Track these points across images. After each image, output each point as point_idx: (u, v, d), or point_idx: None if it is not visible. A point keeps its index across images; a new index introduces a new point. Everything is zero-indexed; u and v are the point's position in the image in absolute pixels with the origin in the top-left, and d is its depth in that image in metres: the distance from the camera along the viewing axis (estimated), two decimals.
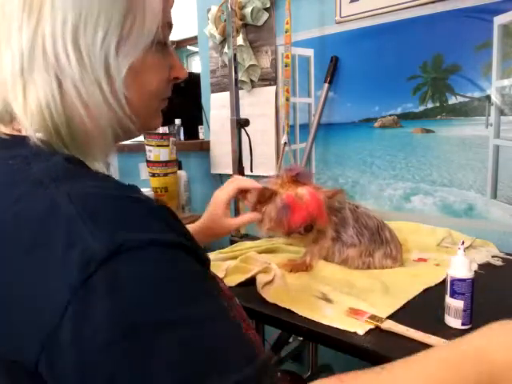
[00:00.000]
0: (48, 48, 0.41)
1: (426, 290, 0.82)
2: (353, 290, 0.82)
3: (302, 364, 1.68)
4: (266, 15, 1.55)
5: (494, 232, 1.15)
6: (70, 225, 0.34)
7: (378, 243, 0.94)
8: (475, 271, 0.77)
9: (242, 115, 1.42)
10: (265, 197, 0.80)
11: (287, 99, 1.46)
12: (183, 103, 1.74)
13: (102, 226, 0.35)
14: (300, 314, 0.74)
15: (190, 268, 0.38)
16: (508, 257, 1.03)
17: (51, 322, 0.32)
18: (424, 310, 0.75)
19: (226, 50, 1.57)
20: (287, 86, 1.45)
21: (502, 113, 1.11)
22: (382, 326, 0.67)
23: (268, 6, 1.53)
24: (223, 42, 1.66)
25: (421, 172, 1.28)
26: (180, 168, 1.77)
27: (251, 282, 0.86)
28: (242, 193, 0.82)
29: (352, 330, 0.68)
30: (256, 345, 0.60)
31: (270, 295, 0.80)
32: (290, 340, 1.56)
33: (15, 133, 0.44)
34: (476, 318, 0.67)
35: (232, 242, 1.26)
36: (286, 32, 1.39)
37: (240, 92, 1.45)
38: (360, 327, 0.68)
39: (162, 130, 1.78)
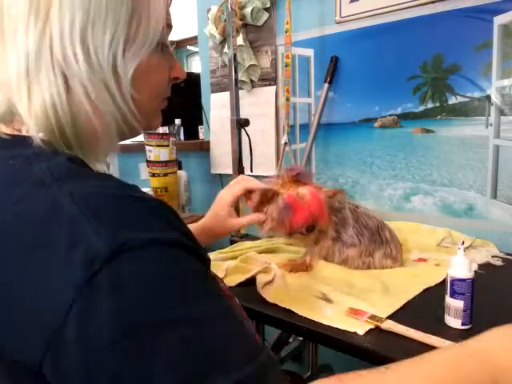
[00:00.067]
0: (55, 48, 0.41)
1: (426, 290, 0.82)
2: (353, 290, 0.82)
3: (302, 364, 1.68)
4: (266, 15, 1.55)
5: (493, 232, 1.15)
6: (73, 224, 0.34)
7: (377, 243, 0.94)
8: (475, 271, 0.77)
9: (242, 115, 1.42)
10: (267, 197, 0.80)
11: (287, 99, 1.46)
12: (183, 103, 1.74)
13: (105, 225, 0.35)
14: (300, 313, 0.74)
15: (191, 267, 0.38)
16: (508, 257, 1.03)
17: (55, 321, 0.32)
18: (424, 310, 0.75)
19: (226, 49, 1.57)
20: (287, 85, 1.45)
21: (502, 113, 1.11)
22: (382, 326, 0.67)
23: (268, 5, 1.53)
24: (223, 42, 1.66)
25: (421, 172, 1.28)
26: (180, 168, 1.77)
27: (251, 282, 0.86)
28: (247, 193, 0.82)
29: (352, 330, 0.68)
30: (258, 343, 0.60)
31: (269, 295, 0.80)
32: (290, 340, 1.56)
33: (15, 133, 0.45)
34: (476, 318, 0.67)
35: (232, 242, 1.26)
36: (286, 32, 1.39)
37: (240, 92, 1.45)
38: (360, 327, 0.68)
39: (162, 129, 1.78)
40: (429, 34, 1.20)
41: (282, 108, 1.54)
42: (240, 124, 1.40)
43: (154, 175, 1.64)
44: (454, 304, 0.67)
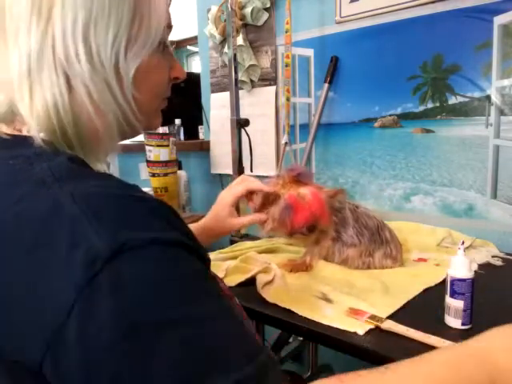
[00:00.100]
0: (58, 48, 0.41)
1: (426, 290, 0.82)
2: (353, 290, 0.82)
3: (302, 364, 1.68)
4: (266, 15, 1.55)
5: (493, 232, 1.15)
6: (73, 224, 0.34)
7: (378, 243, 0.94)
8: (475, 271, 0.77)
9: (242, 115, 1.42)
10: (269, 200, 0.80)
11: (288, 99, 1.46)
12: (183, 103, 1.74)
13: (106, 225, 0.35)
14: (300, 313, 0.74)
15: (191, 267, 0.38)
16: (508, 257, 1.03)
17: (56, 320, 0.32)
18: (424, 309, 0.75)
19: (226, 49, 1.57)
20: (288, 85, 1.45)
21: (502, 113, 1.11)
22: (382, 326, 0.67)
23: (268, 5, 1.53)
24: (223, 42, 1.66)
25: (421, 172, 1.28)
26: (180, 168, 1.77)
27: (251, 282, 0.86)
28: (249, 194, 0.82)
29: (352, 329, 0.68)
30: (258, 343, 0.60)
31: (269, 295, 0.80)
32: (290, 340, 1.56)
33: (16, 133, 0.45)
34: (476, 318, 0.67)
35: (232, 242, 1.26)
36: (286, 32, 1.39)
37: (240, 92, 1.45)
38: (360, 327, 0.68)
39: (161, 129, 1.78)
40: (429, 34, 1.20)
41: (283, 108, 1.54)
42: (240, 124, 1.40)
43: (154, 175, 1.64)
44: (454, 304, 0.67)
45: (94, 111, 0.44)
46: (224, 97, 1.71)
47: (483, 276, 0.88)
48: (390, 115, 1.32)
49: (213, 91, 1.83)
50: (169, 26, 0.50)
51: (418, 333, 0.64)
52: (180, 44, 2.90)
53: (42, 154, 0.41)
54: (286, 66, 1.43)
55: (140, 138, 1.60)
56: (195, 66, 3.39)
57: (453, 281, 0.67)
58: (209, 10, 1.69)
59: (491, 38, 1.09)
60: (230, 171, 1.51)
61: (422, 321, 0.68)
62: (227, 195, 0.81)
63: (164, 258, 0.36)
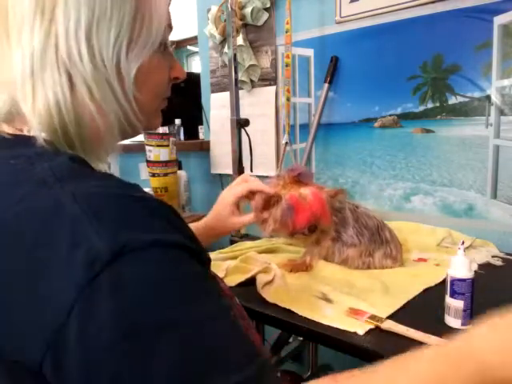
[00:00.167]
0: (61, 47, 0.41)
1: (426, 290, 0.82)
2: (353, 290, 0.82)
3: (302, 364, 1.68)
4: (266, 15, 1.55)
5: (493, 232, 1.15)
6: (74, 224, 0.34)
7: (378, 243, 0.94)
8: (475, 271, 0.77)
9: (242, 115, 1.42)
10: (270, 201, 0.80)
11: (288, 99, 1.46)
12: (183, 103, 1.74)
13: (107, 225, 0.35)
14: (300, 313, 0.74)
15: (191, 269, 0.38)
16: (508, 257, 1.03)
17: (56, 320, 0.32)
18: (424, 309, 0.75)
19: (226, 49, 1.57)
20: (288, 85, 1.45)
21: (502, 113, 1.11)
22: (382, 326, 0.67)
23: (268, 5, 1.53)
24: (223, 42, 1.66)
25: (421, 172, 1.28)
26: (180, 168, 1.77)
27: (251, 282, 0.86)
28: (250, 194, 0.82)
29: (352, 329, 0.68)
30: (257, 345, 0.60)
31: (270, 295, 0.80)
32: (290, 340, 1.56)
33: (17, 132, 0.45)
34: (476, 318, 0.67)
35: (232, 242, 1.26)
36: (286, 32, 1.39)
37: (240, 92, 1.45)
38: (360, 327, 0.68)
39: (161, 129, 1.78)
40: (429, 34, 1.20)
41: (283, 108, 1.54)
42: (240, 124, 1.40)
43: (154, 175, 1.64)
44: (454, 304, 0.67)
45: (96, 110, 0.44)
46: (224, 97, 1.71)
47: (483, 276, 0.88)
48: (390, 115, 1.32)
49: (213, 91, 1.83)
50: (169, 27, 0.50)
51: (418, 333, 0.64)
52: (180, 44, 2.90)
53: (43, 154, 0.41)
54: (286, 65, 1.43)
55: (140, 138, 1.60)
56: (195, 66, 3.39)
57: (453, 281, 0.67)
58: (209, 10, 1.69)
59: (491, 38, 1.09)
60: (230, 171, 1.51)
61: (421, 321, 0.68)
62: (228, 194, 0.81)
63: (164, 260, 0.36)
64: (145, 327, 0.32)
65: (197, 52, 2.52)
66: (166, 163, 1.62)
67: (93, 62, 0.42)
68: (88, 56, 0.42)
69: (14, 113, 0.43)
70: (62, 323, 0.32)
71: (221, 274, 0.90)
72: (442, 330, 0.66)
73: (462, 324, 0.67)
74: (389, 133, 1.33)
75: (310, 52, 1.48)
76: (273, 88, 1.60)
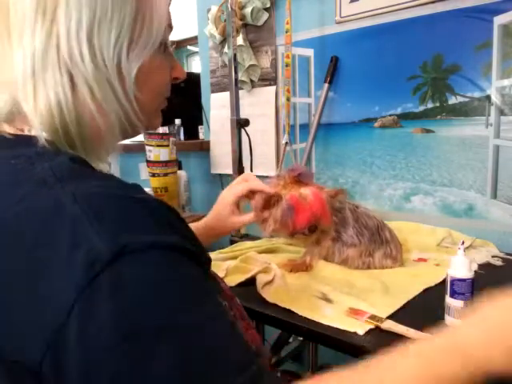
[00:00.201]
0: (62, 47, 0.41)
1: (425, 290, 0.82)
2: (353, 290, 0.82)
3: (301, 364, 1.68)
4: (266, 15, 1.55)
5: (493, 232, 1.15)
6: (75, 225, 0.35)
7: (378, 243, 0.94)
8: (475, 271, 0.77)
9: (242, 115, 1.42)
10: (271, 202, 0.80)
11: (288, 99, 1.46)
12: (183, 103, 1.74)
13: (107, 226, 0.35)
14: (300, 313, 0.74)
15: (190, 271, 0.38)
16: (508, 257, 1.03)
17: (56, 320, 0.32)
18: (424, 310, 0.75)
19: (226, 49, 1.57)
20: (288, 85, 1.45)
21: (502, 113, 1.11)
22: (382, 326, 0.67)
23: (268, 5, 1.53)
24: (223, 41, 1.66)
25: (421, 172, 1.28)
26: (180, 168, 1.77)
27: (251, 282, 0.86)
28: (251, 193, 0.82)
29: (352, 329, 0.68)
30: (257, 345, 0.60)
31: (270, 295, 0.80)
32: (290, 340, 1.56)
33: (18, 132, 0.45)
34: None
35: (232, 242, 1.26)
36: (286, 32, 1.39)
37: (240, 92, 1.45)
38: (360, 327, 0.68)
39: (162, 129, 1.78)
40: (429, 34, 1.20)
41: (283, 108, 1.54)
42: (240, 124, 1.40)
43: (154, 175, 1.64)
44: (454, 304, 0.67)
45: (97, 110, 0.44)
46: (224, 97, 1.71)
47: (483, 276, 0.88)
48: (390, 115, 1.32)
49: (213, 91, 1.83)
50: (170, 27, 0.50)
51: (418, 333, 0.64)
52: (180, 44, 2.90)
53: (44, 154, 0.41)
54: (286, 65, 1.43)
55: (140, 137, 1.60)
56: (195, 65, 3.39)
57: (453, 281, 0.67)
58: (209, 10, 1.69)
59: (491, 38, 1.09)
60: (230, 171, 1.51)
61: (421, 321, 0.68)
62: (229, 194, 0.81)
63: (164, 262, 0.36)
64: (144, 328, 0.33)
65: (197, 52, 2.52)
66: (166, 163, 1.62)
67: (94, 62, 0.42)
68: (89, 56, 0.42)
69: (15, 113, 0.43)
70: (61, 323, 0.32)
71: (221, 274, 0.90)
72: (441, 329, 0.66)
73: None
74: (389, 133, 1.33)
75: (310, 52, 1.48)
76: (273, 88, 1.60)
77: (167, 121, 1.84)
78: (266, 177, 0.93)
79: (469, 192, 1.19)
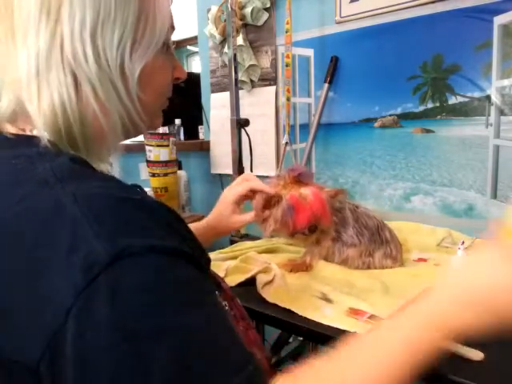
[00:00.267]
0: (66, 47, 0.41)
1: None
2: (353, 290, 0.82)
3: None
4: (266, 15, 1.55)
5: None
6: (74, 226, 0.35)
7: (378, 243, 0.94)
8: None
9: (242, 115, 1.42)
10: (271, 202, 0.80)
11: (288, 99, 1.46)
12: (183, 103, 1.74)
13: (106, 229, 0.35)
14: (300, 313, 0.74)
15: (188, 274, 0.39)
16: None
17: (55, 321, 0.32)
18: None
19: (226, 49, 1.57)
20: (288, 85, 1.45)
21: (502, 113, 1.11)
22: None
23: (268, 5, 1.53)
24: (223, 42, 1.66)
25: (421, 172, 1.28)
26: (180, 168, 1.77)
27: (251, 282, 0.86)
28: (251, 193, 0.82)
29: (352, 330, 0.68)
30: (257, 345, 0.60)
31: (270, 295, 0.80)
32: (290, 340, 1.56)
33: (20, 132, 0.45)
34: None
35: (232, 242, 1.26)
36: (286, 32, 1.39)
37: (240, 92, 1.45)
38: (360, 327, 0.68)
39: (162, 129, 1.78)
40: (429, 34, 1.20)
41: (283, 108, 1.54)
42: (240, 124, 1.40)
43: (154, 175, 1.64)
44: None
45: (100, 110, 0.44)
46: (224, 97, 1.71)
47: None
48: (390, 115, 1.32)
49: (213, 91, 1.83)
50: (172, 27, 0.50)
51: None
52: (180, 44, 2.89)
53: (45, 154, 0.41)
54: (286, 65, 1.43)
55: (140, 138, 1.60)
56: (195, 65, 3.39)
57: None
58: (209, 10, 1.69)
59: (491, 38, 1.09)
60: (230, 171, 1.51)
61: None
62: (230, 193, 0.82)
63: (162, 265, 0.36)
64: (141, 332, 0.33)
65: (197, 52, 2.52)
66: (166, 163, 1.62)
67: (97, 63, 0.42)
68: (93, 56, 0.42)
69: (19, 112, 0.43)
70: (60, 324, 0.32)
71: (221, 274, 0.90)
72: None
73: None
74: (389, 133, 1.33)
75: (310, 52, 1.48)
76: (273, 88, 1.60)
77: (167, 121, 1.84)
78: (266, 177, 0.93)
79: (469, 192, 1.19)
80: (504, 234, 0.43)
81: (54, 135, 0.43)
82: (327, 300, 0.78)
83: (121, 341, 0.32)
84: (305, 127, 1.53)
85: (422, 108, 1.25)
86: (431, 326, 0.41)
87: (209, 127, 1.87)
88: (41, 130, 0.42)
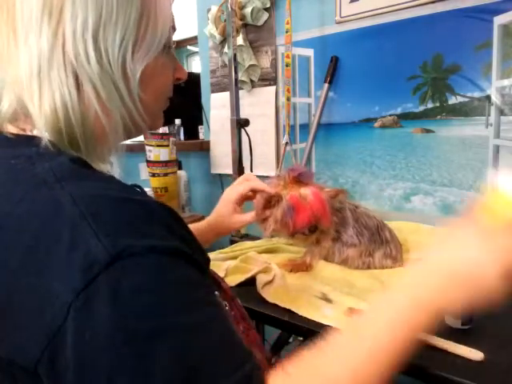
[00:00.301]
0: (68, 48, 0.41)
1: None
2: (353, 290, 0.82)
3: None
4: (266, 15, 1.55)
5: None
6: (74, 227, 0.35)
7: (378, 243, 0.94)
8: None
9: (242, 115, 1.42)
10: (271, 202, 0.80)
11: (288, 99, 1.46)
12: (183, 103, 1.74)
13: (105, 229, 0.35)
14: (300, 313, 0.74)
15: (188, 275, 0.39)
16: None
17: (54, 322, 0.32)
18: None
19: (226, 49, 1.57)
20: (288, 85, 1.45)
21: (502, 113, 1.11)
22: None
23: (268, 5, 1.53)
24: (223, 41, 1.66)
25: (421, 172, 1.28)
26: (180, 168, 1.77)
27: (251, 281, 0.86)
28: (253, 193, 0.83)
29: None
30: (257, 345, 0.60)
31: (269, 295, 0.80)
32: (290, 340, 1.56)
33: (20, 132, 0.45)
34: (476, 318, 0.67)
35: (232, 242, 1.26)
36: (286, 32, 1.39)
37: (240, 92, 1.45)
38: None
39: (162, 130, 1.78)
40: (429, 34, 1.20)
41: (283, 108, 1.54)
42: (240, 124, 1.40)
43: (154, 175, 1.64)
44: None
45: (102, 110, 0.44)
46: (224, 97, 1.71)
47: None
48: (390, 115, 1.32)
49: (213, 91, 1.83)
50: (173, 28, 0.50)
51: None
52: (180, 44, 2.89)
53: (45, 154, 0.41)
54: (286, 65, 1.43)
55: (140, 137, 1.60)
56: (195, 65, 3.38)
57: None
58: (209, 10, 1.69)
59: (491, 38, 1.09)
60: (230, 171, 1.51)
61: None
62: (231, 193, 0.82)
63: (162, 266, 0.36)
64: (142, 332, 0.33)
65: (197, 52, 2.51)
66: (166, 163, 1.62)
67: (99, 63, 0.42)
68: (95, 57, 0.42)
69: (20, 112, 0.43)
70: (60, 324, 0.32)
71: (221, 274, 0.90)
72: (441, 330, 0.66)
73: (462, 324, 0.67)
74: (389, 133, 1.33)
75: (310, 52, 1.48)
76: (273, 88, 1.60)
77: (167, 121, 1.84)
78: (266, 177, 0.93)
79: (469, 192, 1.19)
80: (483, 210, 0.45)
81: (54, 135, 0.42)
82: (327, 300, 0.78)
83: (121, 341, 0.32)
84: (305, 127, 1.53)
85: (422, 108, 1.25)
86: (418, 300, 0.42)
87: (209, 127, 1.87)
88: (41, 130, 0.42)
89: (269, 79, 1.61)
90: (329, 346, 0.41)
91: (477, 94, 1.15)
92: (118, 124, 0.46)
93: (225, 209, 0.82)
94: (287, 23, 1.38)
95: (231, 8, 1.35)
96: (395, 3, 1.23)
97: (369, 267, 0.94)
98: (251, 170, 1.42)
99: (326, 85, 1.41)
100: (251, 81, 1.64)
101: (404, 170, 1.31)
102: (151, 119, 0.51)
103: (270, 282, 0.84)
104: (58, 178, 0.38)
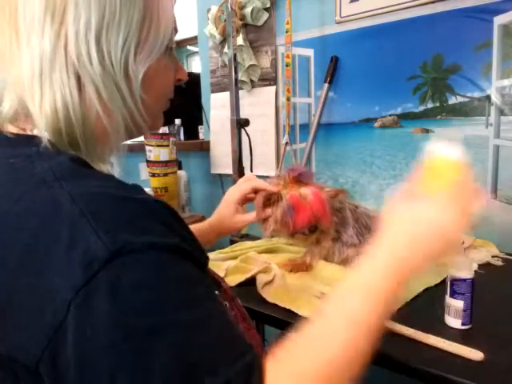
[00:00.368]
0: (70, 49, 0.41)
1: (425, 290, 0.82)
2: None
3: None
4: (266, 15, 1.55)
5: (494, 232, 1.15)
6: (72, 225, 0.35)
7: None
8: (475, 271, 0.77)
9: (242, 115, 1.42)
10: (271, 201, 0.81)
11: (288, 99, 1.46)
12: (183, 103, 1.74)
13: (105, 226, 0.35)
14: (300, 313, 0.74)
15: (188, 273, 0.39)
16: (508, 257, 1.03)
17: (55, 320, 0.32)
18: (424, 309, 0.75)
19: (226, 49, 1.57)
20: (288, 85, 1.45)
21: (502, 113, 1.11)
22: None
23: (268, 5, 1.53)
24: (223, 42, 1.66)
25: None
26: (180, 168, 1.77)
27: (251, 281, 0.86)
28: (254, 193, 0.83)
29: None
30: (257, 345, 0.60)
31: (269, 295, 0.80)
32: None
33: (20, 132, 0.45)
34: (476, 318, 0.67)
35: (232, 242, 1.26)
36: (286, 32, 1.39)
37: (240, 92, 1.45)
38: None
39: (162, 130, 1.78)
40: (429, 34, 1.20)
41: (283, 108, 1.54)
42: (240, 124, 1.39)
43: (154, 175, 1.64)
44: (454, 304, 0.67)
45: (103, 111, 0.44)
46: (224, 97, 1.71)
47: (483, 276, 0.88)
48: (390, 115, 1.32)
49: (213, 91, 1.83)
50: (175, 30, 0.51)
51: (417, 333, 0.64)
52: (180, 44, 2.89)
53: (44, 154, 0.41)
54: (286, 65, 1.43)
55: (140, 138, 1.60)
56: (195, 65, 3.39)
57: (453, 281, 0.67)
58: (209, 10, 1.69)
59: (491, 38, 1.09)
60: (229, 171, 1.51)
61: (421, 321, 0.68)
62: (232, 193, 0.83)
63: (161, 263, 0.36)
64: (142, 328, 0.33)
65: (197, 52, 2.52)
66: (166, 163, 1.62)
67: (102, 64, 0.43)
68: (97, 58, 0.42)
69: (20, 112, 0.43)
70: (60, 323, 0.32)
71: (221, 274, 0.90)
72: (441, 330, 0.66)
73: (462, 324, 0.67)
74: (389, 133, 1.33)
75: (310, 52, 1.48)
76: (273, 88, 1.60)
77: (167, 121, 1.84)
78: (266, 177, 0.93)
79: None
80: (428, 175, 0.51)
81: (54, 135, 0.43)
82: None
83: (121, 338, 0.32)
84: (305, 127, 1.53)
85: (422, 108, 1.25)
86: (396, 273, 0.48)
87: (209, 127, 1.87)
88: (42, 129, 0.42)
89: (269, 79, 1.61)
90: (319, 317, 0.44)
91: (477, 94, 1.15)
92: (119, 125, 0.46)
93: (227, 209, 0.82)
94: (287, 23, 1.38)
95: (231, 8, 1.35)
96: (395, 3, 1.23)
97: None
98: (251, 170, 1.42)
99: (326, 85, 1.41)
100: (251, 81, 1.64)
101: (404, 170, 1.31)
102: (152, 120, 0.52)
103: (269, 282, 0.84)
104: (57, 177, 0.38)
